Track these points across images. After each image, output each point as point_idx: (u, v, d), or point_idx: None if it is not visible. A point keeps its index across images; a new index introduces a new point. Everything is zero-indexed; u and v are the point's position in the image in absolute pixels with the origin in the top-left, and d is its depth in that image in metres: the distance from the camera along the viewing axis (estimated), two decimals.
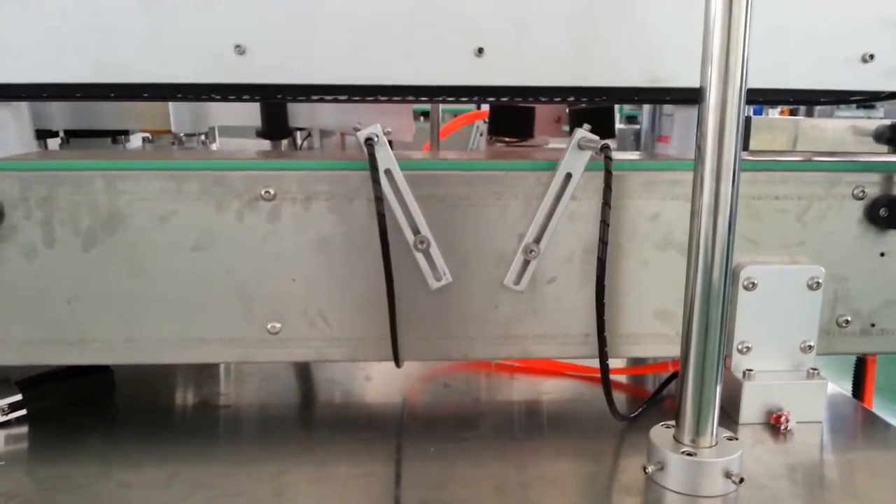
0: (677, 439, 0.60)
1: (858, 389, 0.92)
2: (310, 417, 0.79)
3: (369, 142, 0.65)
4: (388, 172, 0.66)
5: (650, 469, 0.59)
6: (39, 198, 0.66)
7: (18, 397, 0.73)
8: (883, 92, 0.71)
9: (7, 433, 0.71)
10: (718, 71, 0.53)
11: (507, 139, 1.06)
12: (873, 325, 0.75)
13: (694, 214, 0.56)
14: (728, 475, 0.57)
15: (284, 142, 1.07)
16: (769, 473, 0.63)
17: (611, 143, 0.66)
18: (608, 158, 0.64)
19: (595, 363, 0.69)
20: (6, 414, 0.72)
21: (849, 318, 0.74)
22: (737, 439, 0.61)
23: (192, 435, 0.72)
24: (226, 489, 0.60)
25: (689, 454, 0.58)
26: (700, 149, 0.55)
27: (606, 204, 0.64)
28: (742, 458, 0.59)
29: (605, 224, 0.64)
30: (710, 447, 0.59)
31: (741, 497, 0.58)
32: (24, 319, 0.68)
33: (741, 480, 0.57)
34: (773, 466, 0.64)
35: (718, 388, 0.58)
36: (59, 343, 0.69)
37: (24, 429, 0.72)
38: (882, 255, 0.73)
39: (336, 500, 0.59)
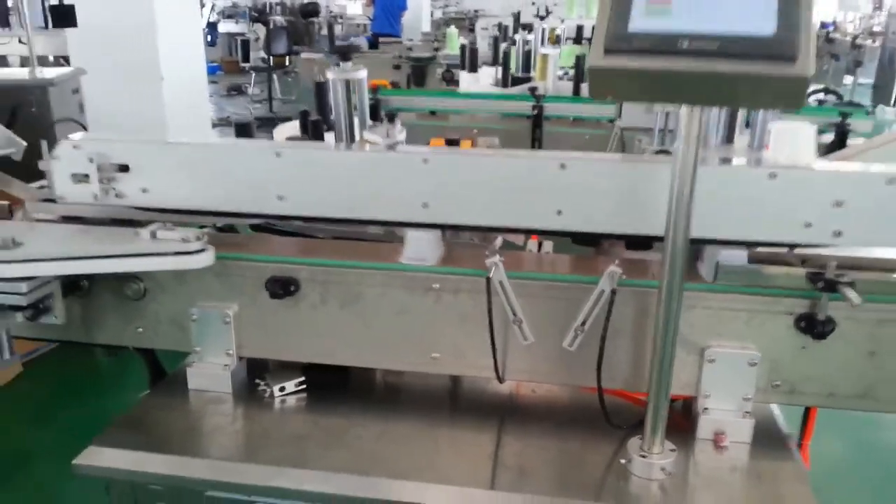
0: (641, 447, 1.12)
1: (804, 426, 1.37)
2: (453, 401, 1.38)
3: (491, 263, 1.20)
4: (500, 283, 1.21)
5: (623, 461, 1.12)
6: (319, 281, 1.28)
7: (302, 378, 1.37)
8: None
9: (297, 399, 1.36)
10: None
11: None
12: (793, 389, 1.21)
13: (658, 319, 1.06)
14: (662, 469, 1.09)
15: None
16: (697, 469, 1.13)
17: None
18: (613, 293, 1.15)
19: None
20: (296, 388, 1.37)
21: (778, 383, 1.21)
22: (674, 450, 1.12)
23: (390, 407, 1.33)
24: (412, 438, 1.21)
25: (643, 456, 1.11)
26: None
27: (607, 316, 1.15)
28: (674, 461, 1.10)
29: (606, 321, 1.16)
30: (658, 453, 1.11)
31: (670, 481, 1.10)
32: (305, 341, 1.31)
33: (669, 473, 1.09)
34: (703, 465, 1.15)
35: (663, 420, 1.10)
36: (324, 354, 1.32)
37: (304, 398, 1.36)
38: (803, 347, 1.18)
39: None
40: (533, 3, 9.09)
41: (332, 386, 1.39)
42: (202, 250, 1.23)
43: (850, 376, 1.19)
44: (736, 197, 1.15)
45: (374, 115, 3.19)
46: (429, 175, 1.23)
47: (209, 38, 11.37)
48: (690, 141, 0.97)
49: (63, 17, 4.02)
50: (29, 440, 2.72)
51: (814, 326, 1.15)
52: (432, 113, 3.15)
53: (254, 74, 10.88)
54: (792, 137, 1.19)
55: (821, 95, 10.50)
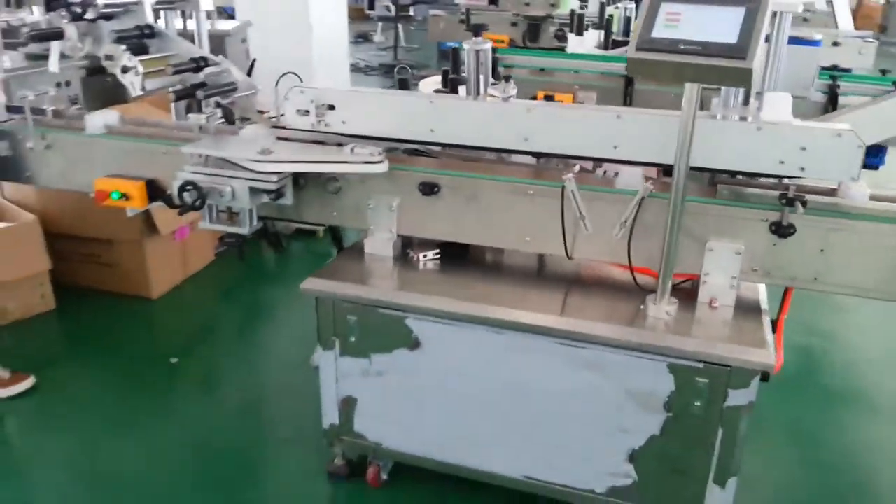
0: (654, 299, 1.76)
1: (782, 304, 1.95)
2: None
3: (567, 177, 1.84)
4: (572, 192, 1.85)
5: (642, 307, 1.77)
6: (453, 186, 1.96)
7: (438, 250, 2.07)
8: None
9: (433, 264, 2.06)
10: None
11: None
12: (767, 273, 1.80)
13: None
14: (667, 312, 1.73)
15: None
16: (693, 316, 1.76)
17: None
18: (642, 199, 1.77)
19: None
20: (434, 256, 2.07)
21: (756, 268, 1.80)
22: (676, 302, 1.75)
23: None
24: (509, 289, 1.90)
25: (654, 303, 1.74)
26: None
27: (635, 215, 1.78)
28: (675, 308, 1.73)
29: (633, 218, 1.78)
30: (664, 302, 1.74)
31: (671, 319, 1.74)
32: (441, 225, 2.00)
33: (670, 315, 1.72)
34: (698, 314, 1.77)
35: (669, 280, 1.72)
36: (453, 234, 2.01)
37: (438, 263, 2.06)
38: (774, 244, 1.77)
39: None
40: None
41: (458, 256, 2.09)
42: (381, 161, 1.94)
43: (807, 266, 1.77)
44: (734, 141, 1.74)
45: (493, 71, 3.84)
46: (529, 120, 1.88)
47: None
48: (691, 103, 1.58)
49: None
50: (217, 313, 3.61)
51: (780, 229, 1.74)
52: (541, 70, 3.75)
53: (380, 23, 11.63)
54: (776, 103, 1.77)
55: None
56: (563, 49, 4.41)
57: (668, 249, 1.72)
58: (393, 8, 10.60)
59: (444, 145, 2.06)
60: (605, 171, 2.04)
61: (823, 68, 4.25)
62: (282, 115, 2.10)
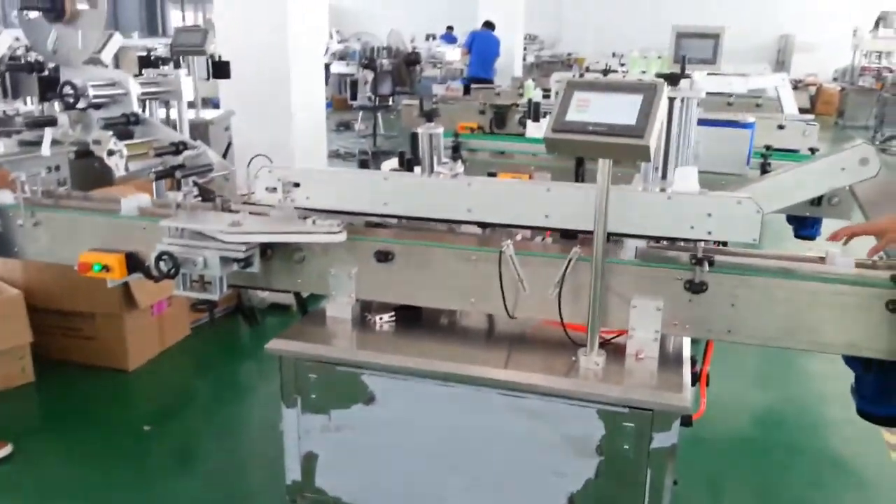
0: (584, 354, 1.95)
1: (704, 355, 2.14)
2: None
3: (505, 244, 2.05)
4: (510, 256, 2.06)
5: (574, 359, 1.95)
6: (405, 253, 2.17)
7: (393, 313, 2.26)
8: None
9: (389, 326, 2.25)
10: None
11: None
12: (685, 326, 2.00)
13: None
14: (596, 363, 1.91)
15: None
16: (621, 367, 1.95)
17: None
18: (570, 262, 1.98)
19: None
20: (390, 319, 2.26)
21: (676, 322, 2.00)
22: (603, 354, 1.93)
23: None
24: (459, 346, 2.08)
25: (583, 356, 1.93)
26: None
27: (563, 277, 1.99)
28: (604, 360, 1.92)
29: (561, 279, 1.99)
30: (594, 354, 1.93)
31: (600, 369, 1.92)
32: (396, 290, 2.20)
33: (599, 365, 1.91)
34: (625, 365, 1.95)
35: (597, 335, 1.92)
36: (407, 298, 2.20)
37: (393, 325, 2.25)
38: (689, 300, 1.98)
39: None
40: (614, 56, 9.93)
41: (412, 318, 2.27)
42: (340, 232, 2.15)
43: (720, 319, 1.97)
44: (649, 209, 1.97)
45: (456, 152, 4.13)
46: (471, 194, 2.11)
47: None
48: (604, 175, 1.81)
49: (220, 71, 5.17)
50: (192, 383, 3.74)
51: (693, 286, 1.95)
52: (502, 153, 4.04)
53: (361, 112, 12.13)
54: (686, 176, 2.02)
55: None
56: (524, 134, 4.74)
57: (593, 307, 1.92)
58: (373, 98, 11.10)
59: (398, 217, 2.28)
60: (543, 238, 2.27)
61: (767, 148, 4.60)
62: (252, 193, 2.32)
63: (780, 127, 4.98)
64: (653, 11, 16.55)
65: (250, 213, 2.32)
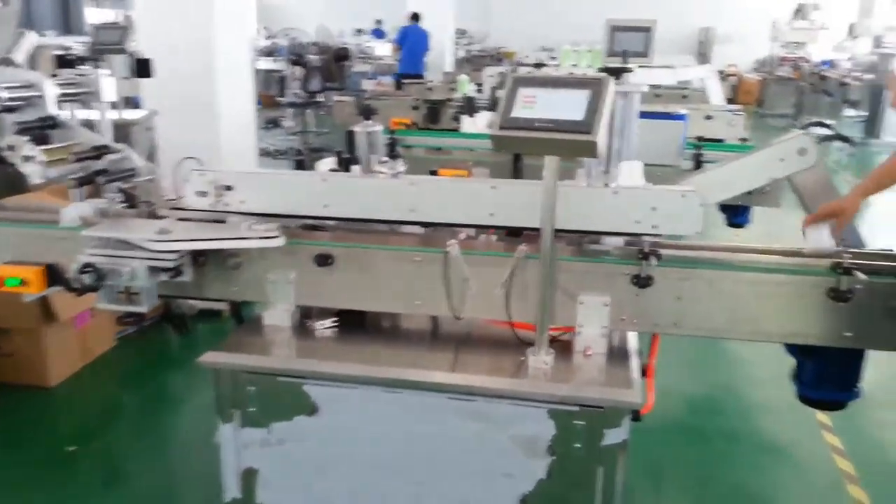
0: (532, 353, 1.91)
1: (651, 349, 2.14)
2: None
3: (450, 244, 2.00)
4: (456, 257, 2.01)
5: (523, 359, 1.91)
6: (346, 256, 2.09)
7: (335, 318, 2.18)
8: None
9: (332, 332, 2.16)
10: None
11: None
12: (632, 321, 1.99)
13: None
14: (545, 362, 1.88)
15: None
16: (570, 364, 1.92)
17: None
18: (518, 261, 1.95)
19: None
20: (332, 324, 2.18)
21: (623, 317, 1.98)
22: (552, 353, 1.90)
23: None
24: (403, 349, 2.01)
25: (532, 356, 1.90)
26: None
27: (511, 276, 1.95)
28: (552, 358, 1.88)
29: (510, 278, 1.95)
30: (543, 353, 1.90)
31: (547, 370, 1.89)
32: (336, 294, 2.12)
33: (549, 364, 1.88)
34: (574, 362, 1.93)
35: (546, 334, 1.88)
36: (349, 302, 2.13)
37: (336, 331, 2.17)
38: (636, 295, 1.96)
39: None
40: (543, 49, 10.00)
41: (355, 323, 2.20)
42: (277, 236, 2.06)
43: (667, 313, 1.97)
44: (595, 205, 1.94)
45: (392, 150, 4.05)
46: (413, 193, 2.05)
47: None
48: (552, 172, 1.78)
49: (142, 69, 4.95)
50: (118, 398, 3.57)
51: (640, 281, 1.93)
52: (439, 149, 3.99)
53: (291, 109, 11.87)
54: (631, 170, 2.00)
55: (814, 128, 11.24)
56: (459, 129, 4.70)
57: (542, 305, 1.88)
58: (302, 94, 10.88)
59: (337, 219, 2.20)
60: (488, 236, 2.22)
61: (698, 139, 4.69)
62: (182, 197, 2.20)
63: (708, 117, 5.08)
64: (578, 5, 16.76)
65: (179, 219, 2.20)
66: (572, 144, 1.66)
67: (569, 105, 1.69)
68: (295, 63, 9.62)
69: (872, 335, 1.86)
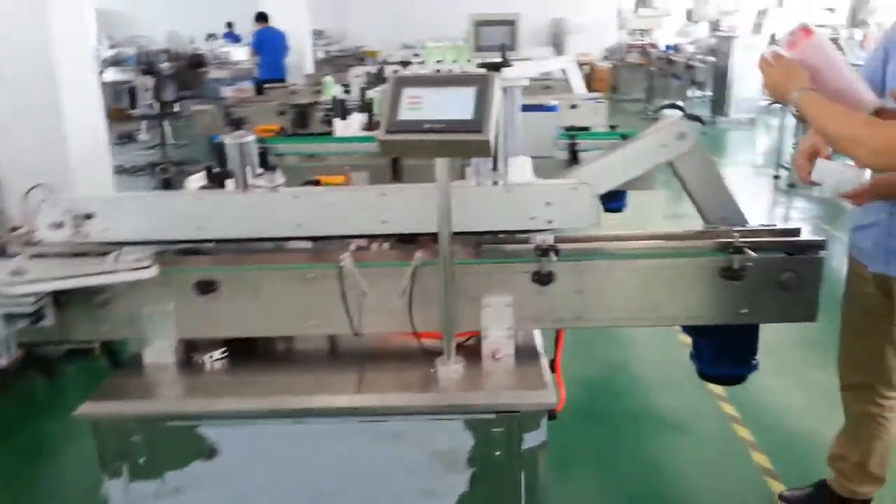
0: (441, 363, 1.84)
1: (556, 345, 2.13)
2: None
3: (342, 257, 1.89)
4: (350, 271, 1.90)
5: (432, 370, 1.84)
6: (230, 281, 1.93)
7: (224, 348, 2.02)
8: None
9: (221, 363, 2.00)
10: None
11: None
12: (536, 319, 1.95)
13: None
14: (455, 371, 1.81)
15: None
16: (479, 370, 1.86)
17: None
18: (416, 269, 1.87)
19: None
20: (221, 355, 2.01)
21: (527, 316, 1.95)
22: (461, 360, 1.84)
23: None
24: (302, 374, 1.88)
25: (441, 366, 1.82)
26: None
27: (411, 285, 1.87)
28: (461, 367, 1.82)
29: (410, 287, 1.87)
30: (455, 363, 1.83)
31: (458, 379, 1.82)
32: (223, 322, 1.95)
33: (458, 373, 1.81)
34: (484, 368, 1.87)
35: (453, 343, 1.81)
36: (237, 330, 1.97)
37: (227, 362, 2.00)
38: (538, 292, 1.93)
39: None
40: (404, 46, 9.96)
41: (247, 352, 2.04)
42: (150, 266, 1.87)
43: (569, 307, 1.95)
44: (488, 204, 1.89)
45: (263, 161, 3.86)
46: (297, 207, 1.92)
47: None
48: (444, 174, 1.70)
49: None
50: None
51: (540, 278, 1.90)
52: (312, 155, 3.83)
53: (144, 122, 11.22)
54: (520, 166, 1.96)
55: (667, 110, 11.76)
56: (331, 133, 4.54)
57: (446, 311, 1.81)
58: (156, 105, 10.29)
59: (216, 241, 2.03)
60: (380, 245, 2.13)
61: (566, 129, 4.76)
62: (33, 231, 1.96)
63: (573, 106, 5.21)
64: (434, 2, 16.87)
65: (33, 255, 1.96)
66: (465, 145, 1.60)
67: (456, 104, 1.62)
68: (145, 72, 9.08)
69: (766, 309, 1.91)
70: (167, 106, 10.58)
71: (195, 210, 1.93)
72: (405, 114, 1.63)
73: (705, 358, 2.07)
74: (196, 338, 2.02)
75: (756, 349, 2.03)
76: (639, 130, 2.57)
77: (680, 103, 12.23)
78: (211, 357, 2.00)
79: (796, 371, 3.72)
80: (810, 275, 1.88)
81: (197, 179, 2.54)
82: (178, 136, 10.79)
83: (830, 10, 11.15)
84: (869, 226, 2.20)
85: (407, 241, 2.05)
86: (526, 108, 3.87)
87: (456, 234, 1.88)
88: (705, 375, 2.12)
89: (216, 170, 2.36)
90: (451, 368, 1.84)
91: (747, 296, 1.90)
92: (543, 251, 1.88)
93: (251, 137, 2.11)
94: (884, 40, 2.18)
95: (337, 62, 14.28)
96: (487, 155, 1.61)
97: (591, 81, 17.34)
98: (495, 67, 2.07)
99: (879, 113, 1.86)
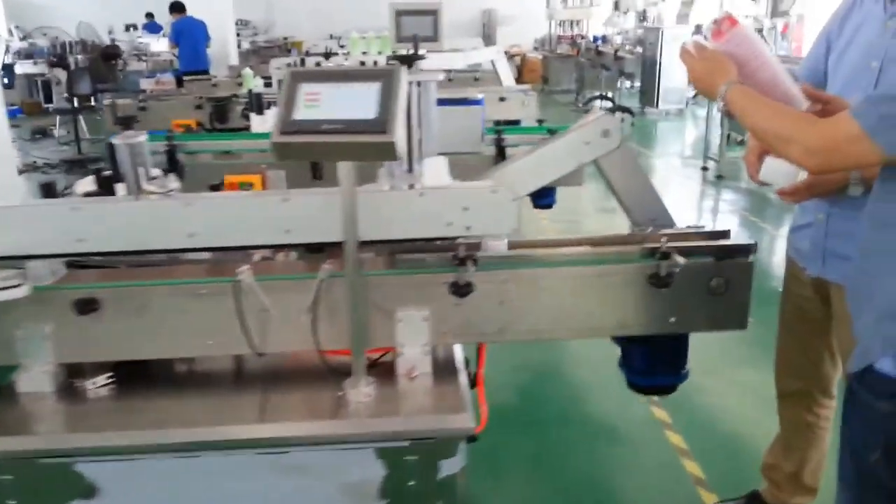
0: (350, 386, 1.68)
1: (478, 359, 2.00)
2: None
3: (240, 271, 1.71)
4: (249, 285, 1.72)
5: (339, 394, 1.68)
6: (115, 298, 1.73)
7: (111, 373, 1.81)
8: None
9: (108, 389, 1.79)
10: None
11: None
12: (456, 333, 1.82)
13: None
14: (367, 395, 1.66)
15: None
16: (394, 391, 1.71)
17: None
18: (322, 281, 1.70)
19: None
20: (107, 381, 1.80)
21: (445, 330, 1.81)
22: (372, 381, 1.69)
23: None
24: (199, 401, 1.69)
25: (350, 388, 1.67)
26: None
27: (316, 298, 1.70)
28: (372, 389, 1.66)
29: (315, 301, 1.71)
30: (365, 386, 1.67)
31: (369, 403, 1.67)
32: (109, 344, 1.75)
33: (371, 396, 1.65)
34: (399, 388, 1.72)
35: (363, 363, 1.66)
36: (126, 352, 1.77)
37: (115, 388, 1.80)
38: (456, 304, 1.79)
39: None
40: (331, 37, 9.71)
41: (137, 375, 1.83)
42: (19, 285, 1.66)
43: (491, 320, 1.81)
44: (400, 210, 1.74)
45: (172, 160, 3.61)
46: (191, 215, 1.73)
47: (6, 80, 11.00)
48: (348, 179, 1.54)
49: None
50: None
51: (458, 289, 1.76)
52: (228, 153, 3.60)
53: (58, 117, 10.67)
54: (436, 167, 1.82)
55: (597, 102, 11.85)
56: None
57: (355, 329, 1.66)
58: (72, 99, 9.78)
59: (100, 254, 1.82)
60: (286, 255, 1.96)
61: (496, 123, 4.64)
62: None
63: (502, 99, 5.09)
64: None
65: None
66: (368, 147, 1.44)
67: (358, 101, 1.46)
68: (56, 65, 8.57)
69: (695, 318, 1.82)
70: (83, 100, 10.06)
71: (73, 220, 1.71)
72: (302, 112, 1.46)
73: (634, 368, 1.96)
74: (78, 362, 1.81)
75: (686, 358, 1.93)
76: (570, 123, 2.45)
77: (609, 94, 12.40)
78: (94, 384, 1.79)
79: (728, 370, 3.68)
80: (740, 280, 1.80)
81: (85, 184, 2.31)
82: (94, 131, 10.28)
83: None
84: (806, 226, 2.10)
85: (316, 251, 1.89)
86: (450, 101, 3.74)
87: (369, 242, 1.74)
88: (636, 386, 2.02)
89: (106, 173, 2.15)
90: (360, 391, 1.68)
91: (676, 303, 1.80)
92: (461, 260, 1.74)
93: (142, 137, 1.91)
94: (825, 31, 2.10)
95: (263, 53, 13.89)
96: (393, 158, 1.46)
97: (522, 73, 17.39)
98: (407, 60, 1.91)
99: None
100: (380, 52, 5.86)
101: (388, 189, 1.87)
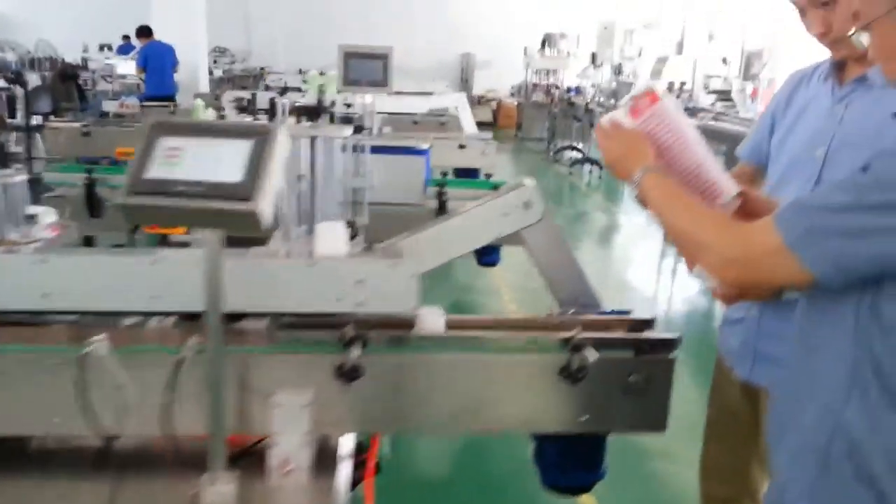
0: (207, 482, 1.46)
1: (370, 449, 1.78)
2: None
3: (94, 340, 1.49)
4: (102, 357, 1.50)
5: (192, 492, 1.45)
6: None
7: None
8: None
9: None
10: None
11: None
12: (341, 421, 1.60)
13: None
14: (223, 494, 1.43)
15: None
16: (264, 491, 1.49)
17: None
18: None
19: None
20: None
21: (330, 418, 1.60)
22: (233, 478, 1.46)
23: None
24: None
25: (208, 485, 1.44)
26: None
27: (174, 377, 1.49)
28: (233, 488, 1.44)
29: (173, 380, 1.49)
30: (223, 484, 1.45)
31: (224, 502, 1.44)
32: None
33: (227, 495, 1.43)
34: (269, 487, 1.50)
35: (222, 456, 1.44)
36: None
37: None
38: (343, 391, 1.59)
39: None
40: (300, 72, 9.57)
41: None
42: None
43: (384, 409, 1.61)
44: (288, 281, 1.54)
45: (90, 196, 3.37)
46: (47, 273, 1.52)
47: None
48: (213, 249, 1.34)
49: None
50: None
51: (345, 374, 1.55)
52: None
53: (15, 134, 10.34)
54: (332, 234, 1.62)
55: (569, 152, 11.86)
56: None
57: (214, 416, 1.44)
58: (30, 117, 9.48)
59: None
60: (160, 321, 1.74)
61: (455, 170, 4.49)
62: None
63: (462, 146, 4.96)
64: (342, 31, 16.56)
65: None
66: (226, 215, 1.24)
67: (225, 161, 1.27)
68: (12, 81, 8.31)
69: (611, 417, 1.63)
70: (46, 118, 9.76)
71: None
72: (158, 170, 1.27)
73: (550, 465, 1.76)
74: None
75: (604, 454, 1.74)
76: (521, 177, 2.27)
77: (579, 146, 12.37)
78: None
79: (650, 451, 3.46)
80: (660, 377, 1.61)
81: None
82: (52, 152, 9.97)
83: (724, 61, 11.45)
84: (738, 321, 1.90)
85: (193, 318, 1.67)
86: (394, 150, 3.57)
87: (245, 315, 1.53)
88: (550, 485, 1.81)
89: None
90: (217, 490, 1.46)
91: (589, 400, 1.61)
92: (349, 340, 1.54)
93: (21, 178, 1.71)
94: (771, 107, 1.96)
95: (238, 82, 13.73)
96: (258, 231, 1.26)
97: (497, 118, 17.42)
98: (311, 112, 1.73)
99: (743, 197, 1.57)
100: (339, 91, 5.73)
101: (284, 253, 1.68)
